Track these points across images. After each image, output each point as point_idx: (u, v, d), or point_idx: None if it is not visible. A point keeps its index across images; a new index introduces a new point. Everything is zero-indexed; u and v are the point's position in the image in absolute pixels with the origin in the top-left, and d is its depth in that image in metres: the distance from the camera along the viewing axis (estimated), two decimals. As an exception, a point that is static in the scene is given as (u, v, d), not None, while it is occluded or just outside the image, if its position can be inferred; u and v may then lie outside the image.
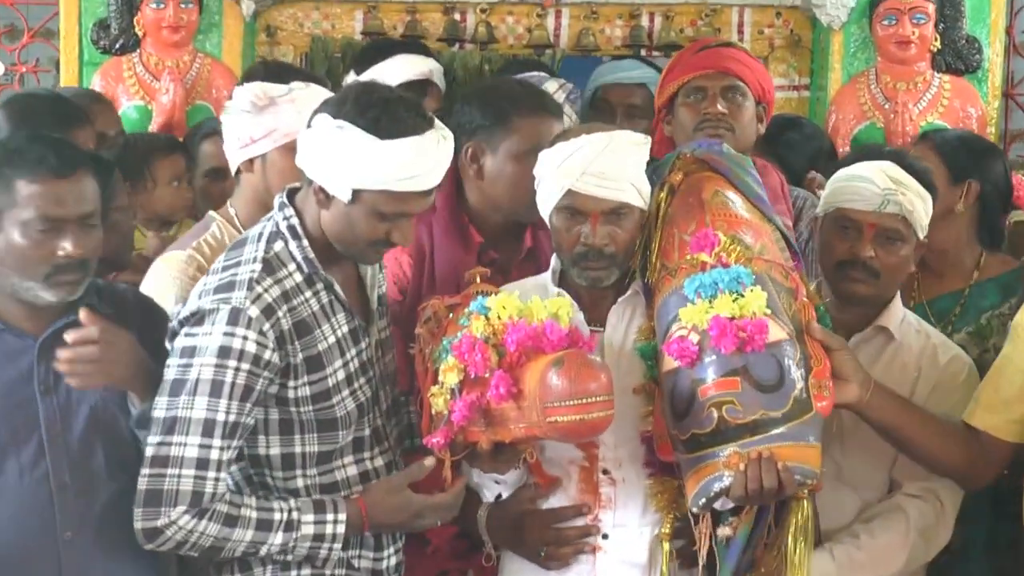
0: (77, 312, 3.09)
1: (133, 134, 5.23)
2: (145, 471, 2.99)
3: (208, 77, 5.88)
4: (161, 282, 3.59)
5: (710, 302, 3.02)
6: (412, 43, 5.36)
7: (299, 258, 3.12)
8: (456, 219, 3.74)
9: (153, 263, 3.74)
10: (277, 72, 3.89)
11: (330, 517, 3.11)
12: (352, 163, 3.01)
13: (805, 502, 3.12)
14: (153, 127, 5.69)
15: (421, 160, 3.03)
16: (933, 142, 4.31)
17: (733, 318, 2.98)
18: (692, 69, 4.03)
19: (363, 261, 3.25)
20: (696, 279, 3.07)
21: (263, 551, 3.09)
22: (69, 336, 2.97)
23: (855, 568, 3.35)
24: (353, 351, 3.19)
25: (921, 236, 3.50)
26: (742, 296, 3.01)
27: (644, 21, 6.05)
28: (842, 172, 3.56)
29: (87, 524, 3.09)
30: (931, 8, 5.78)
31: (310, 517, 3.10)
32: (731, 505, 3.13)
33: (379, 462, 3.26)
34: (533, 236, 3.75)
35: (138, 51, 5.89)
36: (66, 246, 3.03)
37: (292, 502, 3.10)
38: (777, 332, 3.01)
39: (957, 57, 5.88)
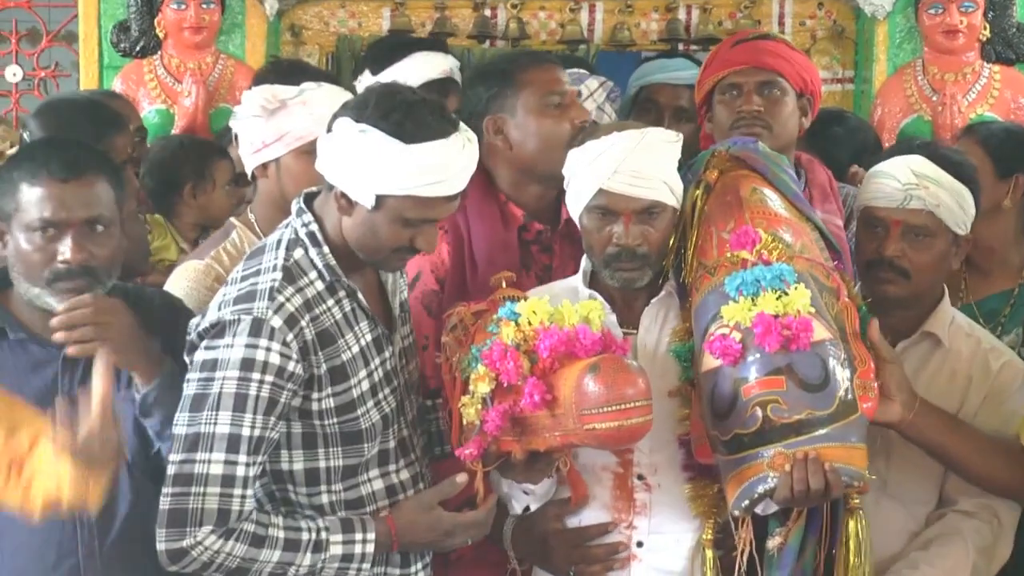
0: None
1: (186, 136, 5.27)
2: (168, 490, 2.95)
3: (231, 79, 5.85)
4: (180, 292, 3.57)
5: (753, 300, 3.00)
6: (430, 40, 5.30)
7: (320, 265, 3.09)
8: (491, 198, 3.73)
9: (172, 273, 3.73)
10: (288, 72, 3.87)
11: (359, 537, 3.07)
12: (376, 168, 2.98)
13: (861, 512, 3.11)
14: (175, 131, 5.68)
15: (447, 164, 3.01)
16: (978, 136, 4.25)
17: (777, 316, 2.95)
18: (727, 64, 3.99)
19: (386, 268, 3.22)
20: (738, 276, 3.05)
21: (291, 572, 3.04)
22: (63, 304, 2.98)
23: None
24: (377, 360, 3.16)
25: (959, 231, 3.44)
26: (786, 294, 2.98)
27: (681, 14, 6.03)
28: (873, 168, 3.52)
29: (108, 538, 3.08)
30: (980, -5, 5.72)
31: (338, 537, 3.06)
32: (773, 509, 3.10)
33: (405, 475, 3.23)
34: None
35: (159, 53, 5.89)
36: (64, 251, 3.02)
37: (320, 522, 3.07)
38: (821, 331, 2.98)
39: (1007, 46, 5.82)
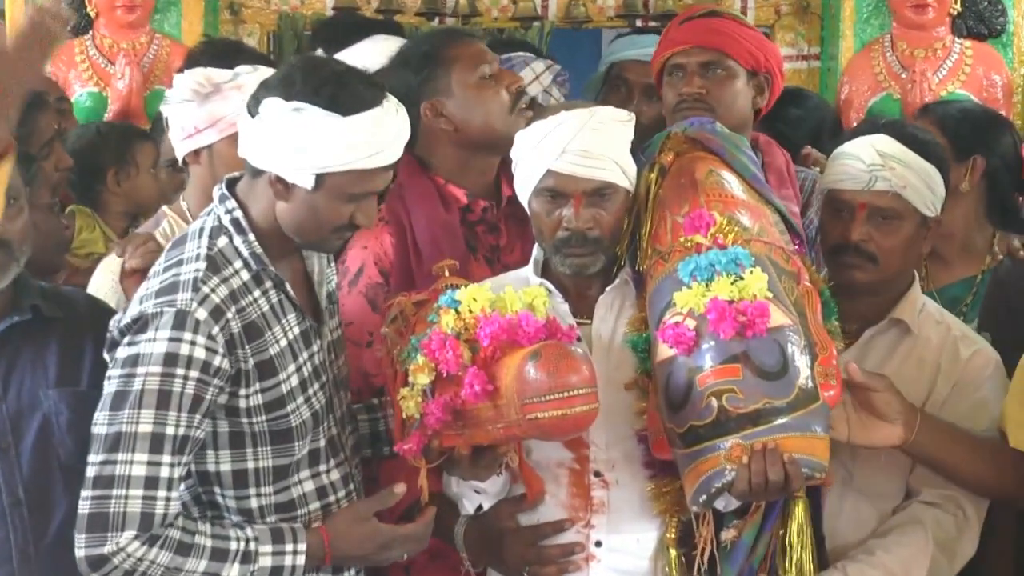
0: (20, 313, 3.08)
1: (103, 122, 5.19)
2: (87, 493, 2.88)
3: (167, 60, 5.77)
4: (100, 290, 3.55)
5: (707, 285, 2.95)
6: (386, 22, 5.24)
7: (245, 254, 3.03)
8: (428, 184, 3.71)
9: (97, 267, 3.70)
10: (222, 54, 3.89)
11: (289, 548, 3.02)
12: (315, 146, 2.94)
13: (802, 500, 3.07)
14: (109, 115, 5.63)
15: (384, 132, 2.99)
16: (934, 116, 4.25)
17: (732, 301, 2.90)
18: (673, 44, 3.96)
19: (325, 249, 3.18)
20: (691, 261, 3.00)
21: None
22: None
23: None
24: (306, 354, 3.11)
25: (928, 213, 3.39)
26: (741, 278, 2.93)
27: (640, -11, 5.96)
28: (836, 150, 3.48)
29: (43, 542, 3.04)
30: (950, -32, 5.71)
31: (268, 548, 3.00)
32: (734, 505, 3.06)
33: (335, 475, 3.17)
34: (509, 184, 3.63)
35: (90, 33, 5.82)
36: None
37: (249, 531, 3.01)
38: (779, 317, 2.92)
39: (979, 20, 5.78)
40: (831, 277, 3.37)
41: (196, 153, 3.65)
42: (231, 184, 3.12)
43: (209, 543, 2.94)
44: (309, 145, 2.94)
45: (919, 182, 3.35)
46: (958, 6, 5.70)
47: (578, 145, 3.13)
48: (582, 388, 2.82)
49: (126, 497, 2.85)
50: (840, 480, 3.28)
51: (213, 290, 2.95)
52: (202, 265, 2.98)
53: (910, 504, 3.35)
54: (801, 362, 2.91)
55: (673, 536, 3.17)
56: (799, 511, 3.09)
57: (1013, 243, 4.09)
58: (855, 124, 5.46)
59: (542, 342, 2.90)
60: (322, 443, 3.14)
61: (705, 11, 4.06)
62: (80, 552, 2.85)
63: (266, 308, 3.03)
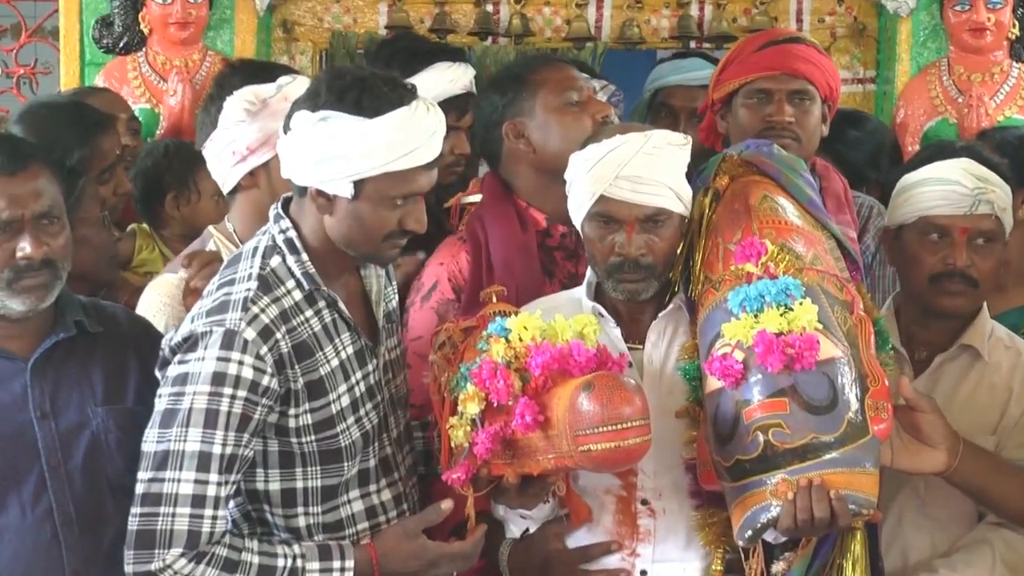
0: (65, 329, 3.10)
1: (174, 141, 5.18)
2: (136, 510, 2.96)
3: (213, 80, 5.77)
4: (151, 308, 3.56)
5: (755, 316, 2.96)
6: (450, 49, 5.03)
7: (298, 274, 3.08)
8: (508, 204, 3.75)
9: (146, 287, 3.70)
10: (253, 72, 3.80)
11: (336, 565, 3.07)
12: (346, 153, 2.98)
13: (860, 533, 3.08)
14: (160, 132, 5.66)
15: (416, 131, 3.01)
16: (992, 141, 4.32)
17: (780, 333, 2.92)
18: (757, 68, 3.98)
19: (380, 261, 3.21)
20: (741, 291, 3.02)
21: None
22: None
23: None
24: (359, 374, 3.14)
25: (1007, 234, 3.46)
26: (791, 310, 2.95)
27: (693, 10, 5.98)
28: (914, 176, 3.49)
29: (95, 561, 3.07)
30: (1008, -9, 5.69)
31: (315, 565, 3.06)
32: (784, 539, 3.07)
33: (387, 495, 3.22)
34: None
35: (144, 50, 5.84)
36: (25, 247, 3.02)
37: (296, 548, 3.06)
38: (829, 349, 2.94)
39: (1037, 45, 5.77)
40: (927, 306, 3.41)
41: (252, 175, 3.60)
42: (285, 204, 3.16)
43: (256, 560, 3.00)
44: (341, 152, 2.97)
45: (1008, 204, 3.41)
46: (1016, 30, 5.70)
47: (632, 171, 3.13)
48: (635, 420, 2.83)
49: (173, 515, 2.92)
50: (914, 508, 3.34)
51: (263, 310, 3.00)
52: (253, 285, 3.02)
53: (980, 526, 3.37)
54: (851, 395, 2.92)
55: (719, 568, 3.18)
56: (857, 546, 3.10)
57: None
58: (910, 148, 5.51)
59: (594, 372, 2.91)
60: (372, 463, 3.18)
61: (788, 36, 4.13)
62: (129, 568, 2.94)
63: (318, 328, 3.07)
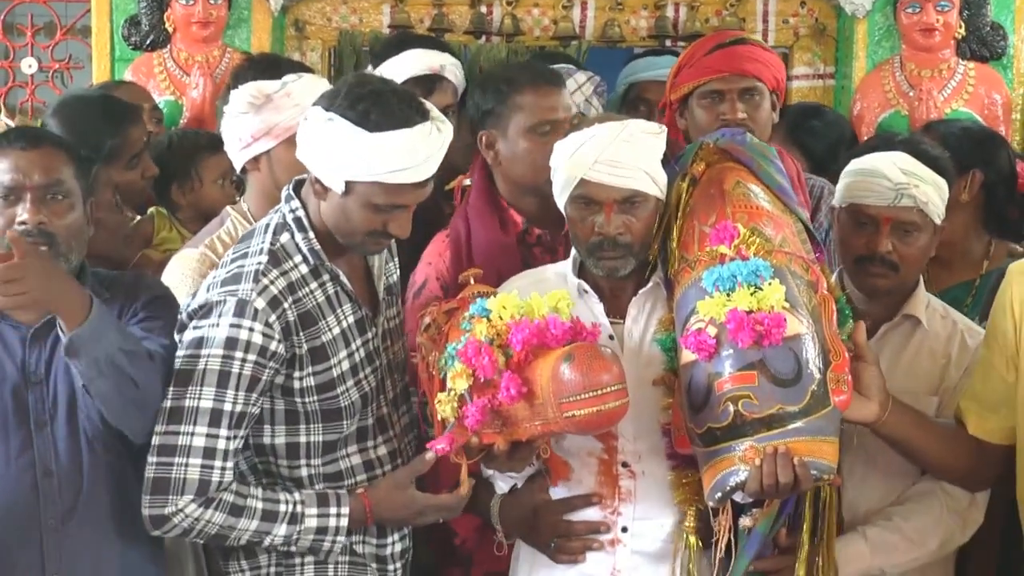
0: None
1: (178, 132, 5.16)
2: (152, 459, 2.99)
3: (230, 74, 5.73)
4: (174, 279, 3.59)
5: (728, 295, 2.94)
6: (427, 38, 5.16)
7: (305, 250, 3.10)
8: (492, 204, 3.72)
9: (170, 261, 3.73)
10: (266, 67, 3.86)
11: (333, 511, 3.10)
12: (342, 155, 2.99)
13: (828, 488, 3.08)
14: (183, 122, 5.64)
15: (411, 153, 2.99)
16: (937, 132, 4.26)
17: (751, 311, 2.89)
18: (708, 71, 3.94)
19: (364, 252, 3.22)
20: (715, 271, 2.99)
21: (267, 541, 3.09)
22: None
23: (889, 550, 3.29)
24: (359, 341, 3.17)
25: (938, 222, 3.42)
26: (760, 289, 2.92)
27: (669, 12, 5.94)
28: (855, 164, 3.48)
29: (72, 513, 3.05)
30: (955, -5, 5.66)
31: (314, 511, 3.10)
32: (751, 500, 3.04)
33: (383, 450, 3.25)
34: None
35: (168, 47, 5.81)
36: (23, 213, 2.99)
37: (297, 495, 3.09)
38: (796, 326, 2.92)
39: (982, 44, 5.75)
40: (854, 284, 3.40)
41: (255, 160, 3.68)
42: (298, 185, 3.17)
43: (260, 505, 3.05)
44: (338, 154, 2.98)
45: (936, 196, 3.37)
46: (962, 31, 5.67)
47: (610, 156, 3.11)
48: (614, 385, 2.83)
49: (186, 465, 2.97)
50: (863, 461, 3.32)
51: (272, 282, 3.03)
52: (264, 259, 3.06)
53: (923, 479, 3.36)
54: (814, 369, 2.91)
55: (692, 525, 3.17)
56: (826, 493, 3.11)
57: (1016, 249, 4.12)
58: (866, 138, 5.46)
59: (571, 343, 2.90)
60: (370, 421, 3.21)
61: (734, 39, 4.07)
62: (145, 511, 2.98)
63: (322, 299, 3.10)
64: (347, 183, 3.00)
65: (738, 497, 3.01)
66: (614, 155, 3.11)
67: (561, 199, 3.22)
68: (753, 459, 2.89)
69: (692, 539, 3.17)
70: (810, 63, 5.94)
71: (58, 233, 3.02)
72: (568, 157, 3.17)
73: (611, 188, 3.12)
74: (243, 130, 3.66)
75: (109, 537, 3.08)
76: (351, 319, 3.16)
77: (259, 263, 3.05)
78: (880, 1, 5.74)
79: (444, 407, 2.98)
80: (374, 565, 3.26)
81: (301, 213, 3.12)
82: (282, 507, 3.07)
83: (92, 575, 3.08)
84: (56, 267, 2.90)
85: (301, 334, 3.05)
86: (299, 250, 3.10)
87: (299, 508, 3.08)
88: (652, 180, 3.15)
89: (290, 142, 3.50)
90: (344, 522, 3.10)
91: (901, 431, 3.19)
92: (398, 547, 3.29)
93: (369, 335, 3.20)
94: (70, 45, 6.30)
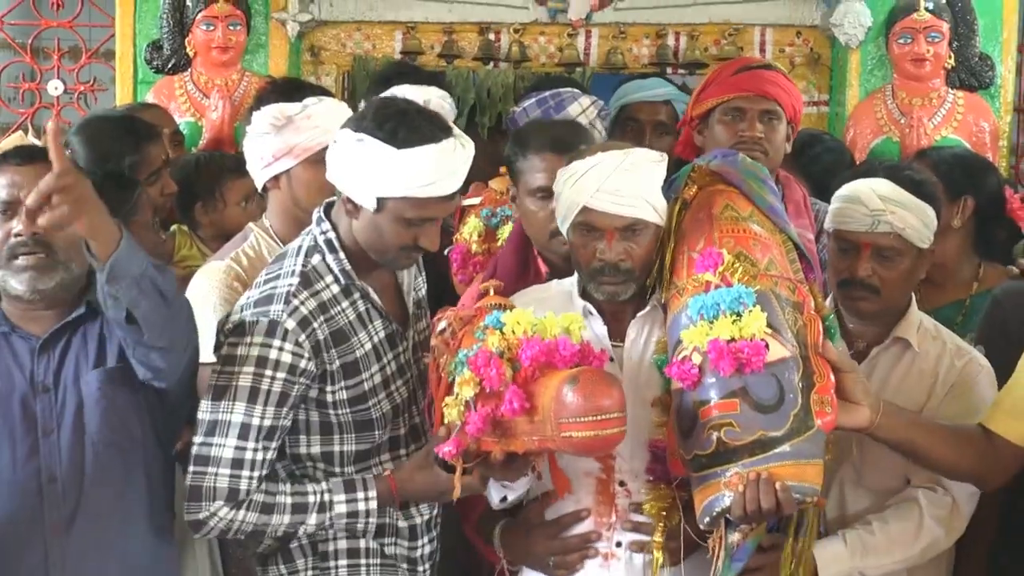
0: (77, 311, 3.07)
1: (205, 154, 5.14)
2: (190, 468, 3.03)
3: (254, 95, 5.73)
4: (201, 291, 3.58)
5: (711, 323, 2.89)
6: (414, 72, 4.98)
7: (336, 270, 3.12)
8: (522, 247, 3.68)
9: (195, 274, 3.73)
10: (288, 90, 3.86)
11: (361, 495, 3.12)
12: (373, 173, 3.00)
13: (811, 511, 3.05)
14: (202, 143, 5.65)
15: (438, 167, 3.00)
16: (929, 159, 4.26)
17: (732, 340, 2.84)
18: (733, 89, 3.97)
19: (396, 266, 3.22)
20: (699, 300, 2.94)
21: (301, 531, 3.12)
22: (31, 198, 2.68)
23: (867, 552, 3.25)
24: (390, 355, 3.19)
25: (924, 246, 3.38)
26: (741, 317, 2.87)
27: (670, 40, 5.97)
28: (839, 191, 3.44)
29: (75, 518, 3.03)
30: (945, 27, 5.68)
31: (342, 497, 3.11)
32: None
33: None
34: None
35: (189, 70, 5.85)
36: (18, 225, 2.98)
37: (325, 484, 3.12)
38: (779, 350, 2.87)
39: (970, 74, 5.77)
40: (842, 306, 3.38)
41: (275, 179, 3.67)
42: (328, 208, 3.18)
43: (289, 500, 3.07)
44: (369, 172, 2.99)
45: (916, 222, 3.32)
46: (952, 61, 5.69)
47: (612, 185, 3.06)
48: (614, 412, 2.76)
49: (216, 474, 3.01)
50: (850, 479, 3.31)
51: (303, 303, 3.04)
52: (295, 280, 3.07)
53: (907, 489, 3.32)
54: (796, 393, 2.85)
55: (659, 539, 3.13)
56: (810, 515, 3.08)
57: (1014, 271, 4.13)
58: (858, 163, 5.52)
59: (578, 366, 2.85)
60: (403, 431, 3.23)
61: (761, 63, 4.13)
62: (186, 516, 3.03)
63: (352, 316, 3.11)
64: (379, 200, 3.01)
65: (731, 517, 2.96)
66: (616, 184, 3.07)
67: (564, 225, 3.19)
68: (737, 485, 2.84)
69: (658, 555, 3.13)
70: (805, 91, 5.92)
71: (55, 243, 3.00)
72: (571, 185, 3.13)
73: (613, 216, 3.08)
74: (265, 150, 3.65)
75: (112, 541, 3.06)
76: (382, 334, 3.17)
77: (290, 285, 3.06)
78: (873, 32, 5.76)
79: (451, 410, 2.95)
80: (404, 566, 3.26)
81: (332, 235, 3.12)
82: (311, 498, 3.09)
83: None
84: (92, 191, 2.74)
85: (332, 351, 3.06)
86: (330, 270, 3.11)
87: (327, 496, 3.09)
88: (653, 208, 3.11)
89: (309, 162, 3.57)
90: (373, 504, 3.11)
91: (899, 433, 3.12)
92: (427, 549, 3.29)
93: (400, 348, 3.21)
94: (94, 68, 6.31)
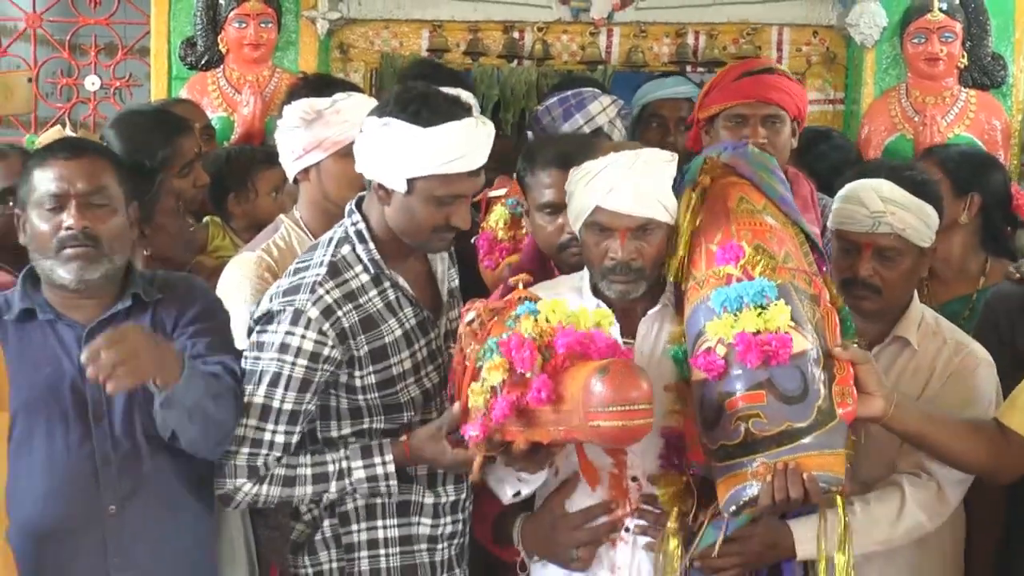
0: (123, 303, 3.10)
1: (236, 147, 5.19)
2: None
3: (285, 91, 5.72)
4: (233, 281, 3.61)
5: (735, 315, 2.89)
6: (434, 70, 4.98)
7: (365, 260, 3.13)
8: (536, 259, 3.68)
9: (227, 264, 3.75)
10: (319, 86, 3.88)
11: (378, 460, 3.14)
12: (401, 154, 3.02)
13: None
14: (234, 137, 5.64)
15: (462, 142, 3.02)
16: (937, 157, 4.28)
17: (758, 332, 2.84)
18: (736, 96, 3.95)
19: (430, 249, 3.22)
20: (722, 292, 2.94)
21: (325, 499, 3.17)
22: (84, 355, 2.83)
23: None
24: (422, 341, 3.19)
25: (925, 245, 3.36)
26: (766, 310, 2.87)
27: (690, 39, 5.92)
28: (843, 190, 3.43)
29: (129, 498, 3.06)
30: (958, 27, 5.63)
31: (359, 463, 3.13)
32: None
33: None
34: None
35: (221, 67, 5.83)
36: (67, 219, 3.01)
37: (343, 452, 3.14)
38: (801, 343, 2.87)
39: (983, 73, 5.72)
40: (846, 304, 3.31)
41: (306, 171, 3.69)
42: (359, 202, 3.20)
43: (310, 471, 3.12)
44: (397, 153, 3.01)
45: (917, 222, 3.31)
46: (965, 60, 5.65)
47: (624, 185, 3.05)
48: (641, 404, 2.72)
49: (238, 452, 3.06)
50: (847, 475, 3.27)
51: (328, 292, 3.06)
52: (323, 271, 3.09)
53: (892, 476, 3.30)
54: (820, 384, 2.85)
55: (674, 525, 3.10)
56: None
57: (1008, 268, 4.07)
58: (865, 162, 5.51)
59: (609, 359, 2.82)
60: (434, 415, 3.20)
61: (763, 67, 4.08)
62: (216, 491, 3.10)
63: (381, 305, 3.13)
64: (408, 181, 3.03)
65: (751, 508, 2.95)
66: (628, 184, 3.06)
67: (576, 224, 3.19)
68: (764, 475, 2.84)
69: (674, 542, 3.10)
70: (821, 89, 5.91)
71: (102, 236, 3.05)
72: (584, 185, 3.12)
73: (625, 216, 3.07)
74: (295, 143, 3.67)
75: (165, 521, 3.09)
76: (413, 321, 3.17)
77: (317, 275, 3.09)
78: (888, 32, 5.72)
79: (477, 397, 2.93)
80: (424, 545, 3.25)
81: (362, 226, 3.14)
82: (330, 467, 3.12)
83: (150, 557, 3.08)
84: (152, 337, 2.94)
85: (360, 337, 3.08)
86: (359, 260, 3.13)
87: (345, 464, 3.12)
88: (664, 208, 3.10)
89: (338, 155, 3.58)
90: (391, 468, 3.13)
91: (913, 425, 3.09)
92: (449, 528, 3.27)
93: (432, 335, 3.21)
94: (130, 64, 6.31)
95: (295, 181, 3.77)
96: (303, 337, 3.03)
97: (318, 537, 3.23)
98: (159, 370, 2.90)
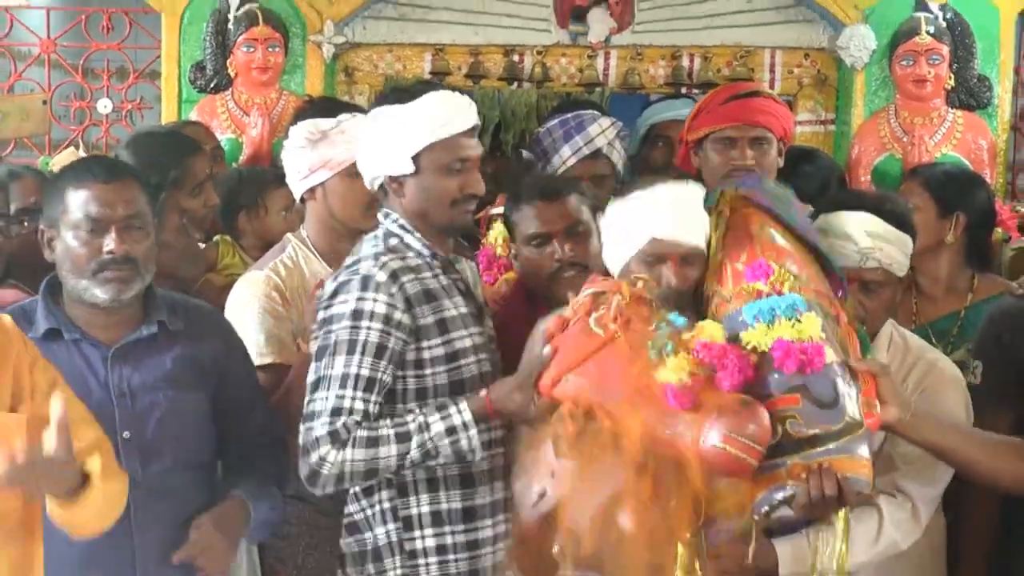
0: (148, 327, 3.10)
1: (247, 167, 5.20)
2: (301, 427, 3.02)
3: (292, 113, 5.72)
4: (243, 298, 3.60)
5: (768, 326, 2.88)
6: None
7: (417, 246, 3.14)
8: (520, 305, 3.64)
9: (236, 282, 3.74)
10: (325, 108, 3.86)
11: (453, 409, 3.04)
12: (398, 135, 3.08)
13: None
14: (243, 158, 5.65)
15: (447, 106, 3.11)
16: (922, 177, 4.24)
17: (793, 341, 2.84)
18: (723, 119, 3.91)
19: (457, 226, 3.23)
20: (754, 306, 2.92)
21: (408, 461, 3.02)
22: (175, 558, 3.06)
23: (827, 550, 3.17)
24: (475, 329, 3.17)
25: (902, 275, 3.37)
26: (799, 321, 2.87)
27: (685, 62, 5.93)
28: (827, 221, 3.38)
29: (159, 518, 3.05)
30: (946, 50, 5.67)
31: (436, 415, 3.02)
32: (788, 515, 2.94)
33: (498, 433, 3.17)
34: None
35: (230, 90, 5.83)
36: (109, 244, 3.01)
37: (419, 409, 3.05)
38: (831, 355, 2.87)
39: (969, 94, 5.75)
40: None
41: (312, 191, 3.69)
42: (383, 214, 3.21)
43: (392, 431, 3.00)
44: (394, 136, 3.08)
45: (900, 255, 3.32)
46: (952, 82, 5.69)
47: (679, 214, 3.07)
48: (761, 446, 2.71)
49: (318, 423, 2.98)
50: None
51: (390, 260, 3.07)
52: (381, 246, 3.12)
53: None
54: (848, 394, 2.85)
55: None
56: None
57: (1010, 286, 4.08)
58: (863, 179, 5.58)
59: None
60: None
61: (749, 91, 4.05)
62: (301, 474, 3.02)
63: (436, 285, 3.11)
64: (413, 159, 3.07)
65: (783, 511, 2.92)
66: (683, 214, 3.08)
67: (622, 255, 3.13)
68: (800, 474, 2.82)
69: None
70: (812, 110, 5.93)
71: (139, 258, 3.06)
72: (638, 216, 3.10)
73: (679, 244, 3.06)
74: (301, 163, 3.67)
75: (180, 532, 3.08)
76: (464, 310, 3.16)
77: (376, 248, 3.10)
78: (877, 54, 5.75)
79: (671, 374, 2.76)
80: (489, 548, 3.20)
81: (403, 220, 3.15)
82: (411, 424, 3.00)
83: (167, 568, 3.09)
84: (223, 538, 3.14)
85: (424, 306, 3.07)
86: (410, 248, 3.14)
87: (422, 418, 3.01)
88: (704, 236, 3.12)
89: (343, 175, 3.58)
90: (468, 416, 3.01)
91: (930, 435, 3.05)
92: (502, 527, 3.21)
93: (483, 328, 3.22)
94: (141, 87, 6.29)
95: (302, 200, 3.76)
96: (375, 300, 3.00)
97: (383, 542, 3.16)
98: (235, 543, 3.21)
